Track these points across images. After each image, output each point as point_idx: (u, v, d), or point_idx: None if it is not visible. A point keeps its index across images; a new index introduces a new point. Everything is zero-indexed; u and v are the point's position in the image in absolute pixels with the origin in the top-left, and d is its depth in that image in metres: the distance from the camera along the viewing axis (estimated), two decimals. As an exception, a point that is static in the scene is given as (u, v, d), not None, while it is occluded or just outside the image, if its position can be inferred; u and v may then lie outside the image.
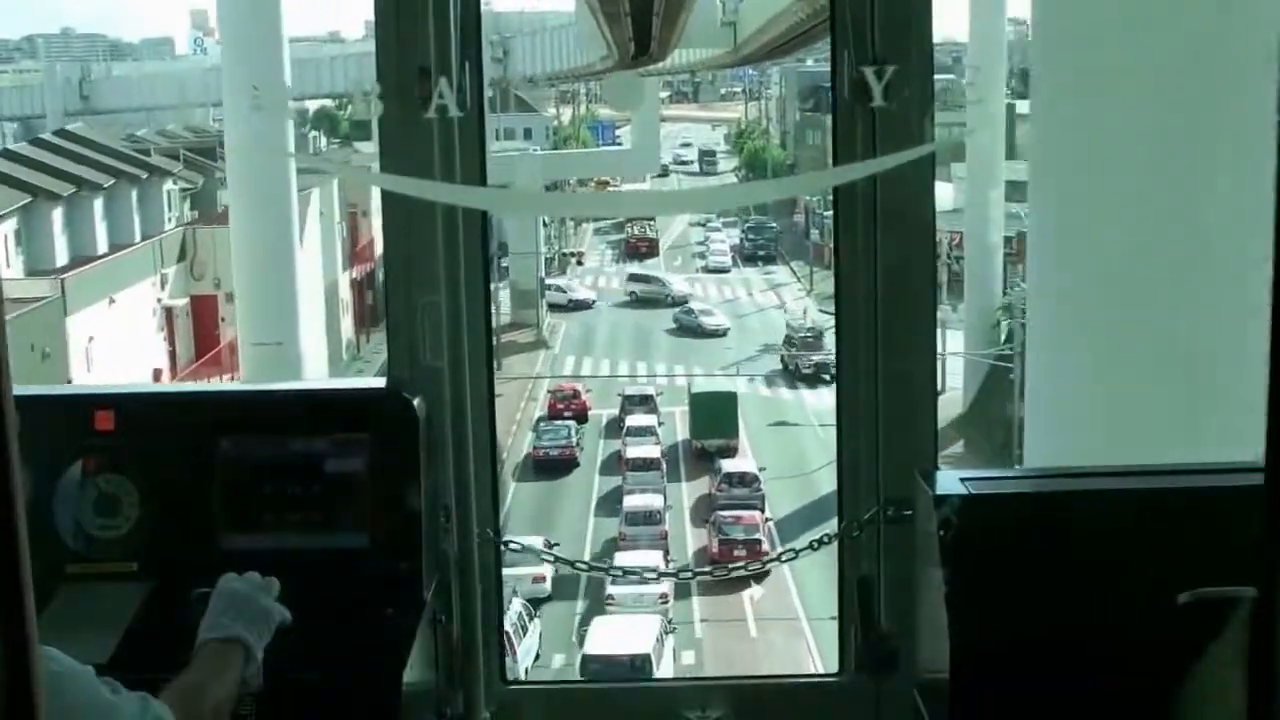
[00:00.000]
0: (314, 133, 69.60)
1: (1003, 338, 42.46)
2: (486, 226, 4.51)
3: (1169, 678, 3.33)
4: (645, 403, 41.87)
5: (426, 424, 3.94)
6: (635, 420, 40.23)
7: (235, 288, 34.30)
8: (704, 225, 67.18)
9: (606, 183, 64.66)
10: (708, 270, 61.56)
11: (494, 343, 4.68)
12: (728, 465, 36.56)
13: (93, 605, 3.63)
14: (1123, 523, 3.61)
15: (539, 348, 49.93)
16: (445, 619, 4.08)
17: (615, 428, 40.79)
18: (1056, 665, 3.48)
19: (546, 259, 56.47)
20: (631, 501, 34.43)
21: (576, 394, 42.86)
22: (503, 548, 4.57)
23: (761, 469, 36.06)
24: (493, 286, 4.51)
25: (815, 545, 4.56)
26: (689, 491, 37.10)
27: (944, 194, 55.49)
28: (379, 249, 46.15)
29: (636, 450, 37.50)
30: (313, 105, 63.60)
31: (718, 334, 50.26)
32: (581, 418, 41.54)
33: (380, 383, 4.14)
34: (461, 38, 4.15)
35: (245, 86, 29.19)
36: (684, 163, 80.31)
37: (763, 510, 34.02)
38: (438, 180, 4.14)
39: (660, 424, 40.37)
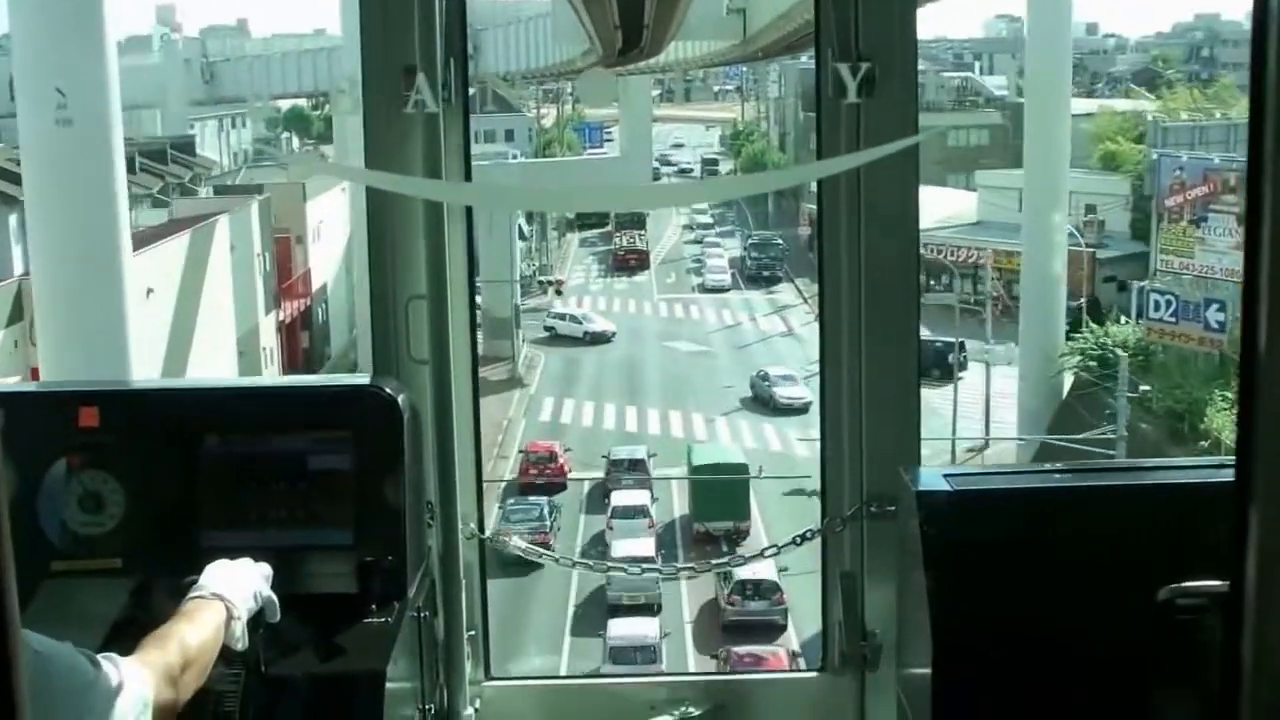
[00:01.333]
0: (286, 134, 66.96)
1: (1065, 390, 37.39)
2: (471, 223, 4.51)
3: (1150, 673, 3.36)
4: (636, 469, 34.91)
5: (410, 420, 3.95)
6: (623, 498, 32.98)
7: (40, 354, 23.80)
8: (700, 242, 60.54)
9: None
10: (704, 290, 54.62)
11: (478, 340, 4.69)
12: (742, 571, 27.72)
13: (78, 602, 3.63)
14: (1105, 519, 3.63)
15: (513, 386, 42.76)
16: (429, 615, 4.09)
17: (599, 500, 33.78)
18: (1038, 661, 3.50)
19: (524, 278, 49.93)
20: (617, 630, 27.20)
21: (553, 456, 35.41)
22: (486, 544, 4.59)
23: (783, 570, 26.87)
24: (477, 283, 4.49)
25: (799, 540, 4.58)
26: (689, 600, 29.63)
27: (965, 204, 52.04)
28: (324, 278, 43.65)
29: (625, 547, 28.66)
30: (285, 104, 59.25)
31: (796, 410, 38.32)
32: (558, 486, 34.61)
33: (364, 379, 4.14)
34: (446, 34, 4.16)
35: (45, 92, 20.90)
36: (673, 164, 72.67)
37: (785, 626, 28.46)
38: (421, 177, 4.16)
39: (654, 500, 33.64)
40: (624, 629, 27.27)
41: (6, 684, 1.37)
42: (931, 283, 44.46)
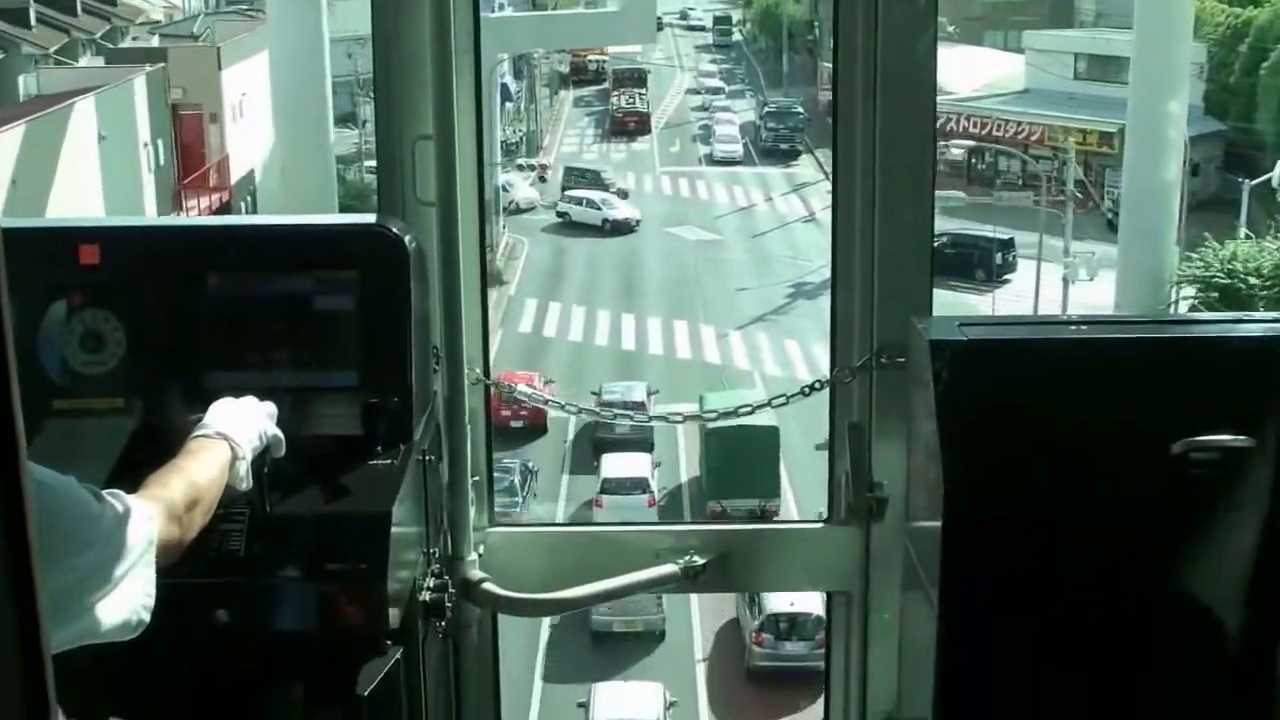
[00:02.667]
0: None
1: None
2: (480, 59, 4.40)
3: (1162, 528, 3.34)
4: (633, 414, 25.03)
5: (416, 261, 3.89)
6: (617, 465, 27.17)
7: None
8: (706, 109, 53.39)
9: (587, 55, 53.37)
10: (713, 161, 47.43)
11: (487, 183, 4.60)
12: (773, 601, 21.63)
13: (80, 441, 3.60)
14: (1121, 371, 3.58)
15: (490, 283, 34.43)
16: (434, 459, 4.06)
17: (584, 454, 28.29)
18: (1049, 513, 3.48)
19: (508, 146, 43.72)
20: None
21: None
22: (492, 389, 4.55)
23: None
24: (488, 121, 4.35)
25: (807, 391, 4.53)
26: (701, 629, 23.01)
27: (1008, 69, 44.76)
28: (250, 163, 34.51)
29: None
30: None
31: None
32: (536, 429, 28.97)
33: (370, 218, 4.07)
34: None
35: None
36: (682, 19, 65.92)
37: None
38: (428, 13, 4.05)
39: (656, 466, 27.71)
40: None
41: (17, 515, 1.34)
42: (974, 161, 40.21)
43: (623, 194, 41.95)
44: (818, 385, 4.49)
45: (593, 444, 28.43)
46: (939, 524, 3.53)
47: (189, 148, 35.35)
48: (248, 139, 36.44)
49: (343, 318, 3.79)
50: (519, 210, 41.05)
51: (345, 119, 38.05)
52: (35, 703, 1.37)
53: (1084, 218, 33.79)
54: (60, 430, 3.62)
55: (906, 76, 4.18)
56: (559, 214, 41.38)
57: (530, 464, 27.80)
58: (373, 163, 4.49)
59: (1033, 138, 40.17)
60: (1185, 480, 3.33)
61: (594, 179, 43.07)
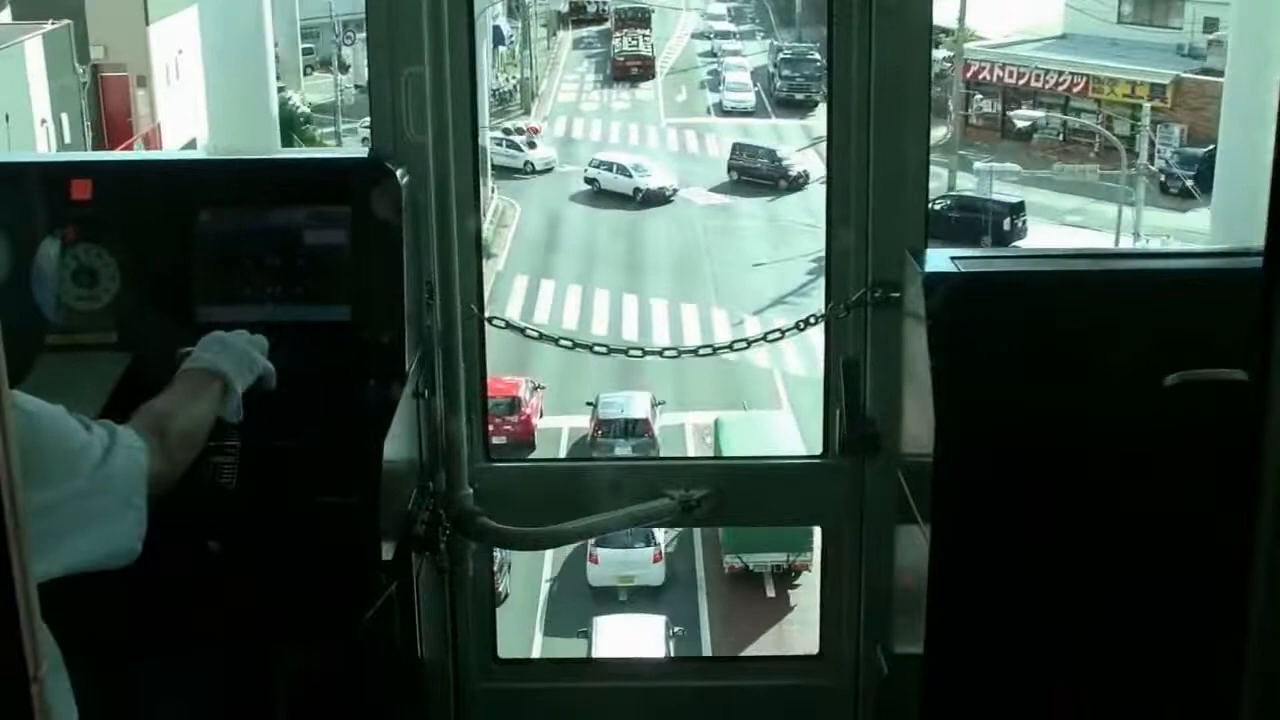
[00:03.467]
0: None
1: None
2: None
3: (1157, 460, 3.34)
4: (634, 433, 23.58)
5: (409, 196, 3.87)
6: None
7: None
8: (715, 54, 47.94)
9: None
10: (722, 112, 42.51)
11: (480, 116, 4.57)
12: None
13: (73, 376, 3.60)
14: (1117, 306, 3.58)
15: None
16: (428, 394, 4.06)
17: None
18: (1043, 444, 3.48)
19: (500, 95, 39.41)
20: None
21: (516, 404, 23.70)
22: (486, 324, 4.54)
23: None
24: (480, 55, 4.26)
25: (801, 326, 4.53)
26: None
27: (1044, 14, 38.69)
28: (191, 132, 27.10)
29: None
30: None
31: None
32: (521, 444, 23.61)
33: (362, 153, 4.05)
34: None
35: None
36: None
37: None
38: None
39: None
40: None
41: None
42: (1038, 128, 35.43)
43: (798, 181, 34.38)
44: (813, 320, 4.48)
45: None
46: (931, 458, 3.54)
47: (113, 118, 29.90)
48: (186, 104, 29.23)
49: (335, 252, 3.79)
50: (534, 171, 35.07)
51: (324, 63, 37.09)
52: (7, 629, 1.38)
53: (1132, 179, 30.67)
54: (53, 365, 3.62)
55: (903, 8, 4.14)
56: (588, 180, 34.98)
57: None
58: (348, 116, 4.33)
59: (1074, 89, 36.08)
60: (1178, 413, 3.33)
61: (768, 157, 36.31)
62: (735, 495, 4.57)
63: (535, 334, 4.77)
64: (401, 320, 3.76)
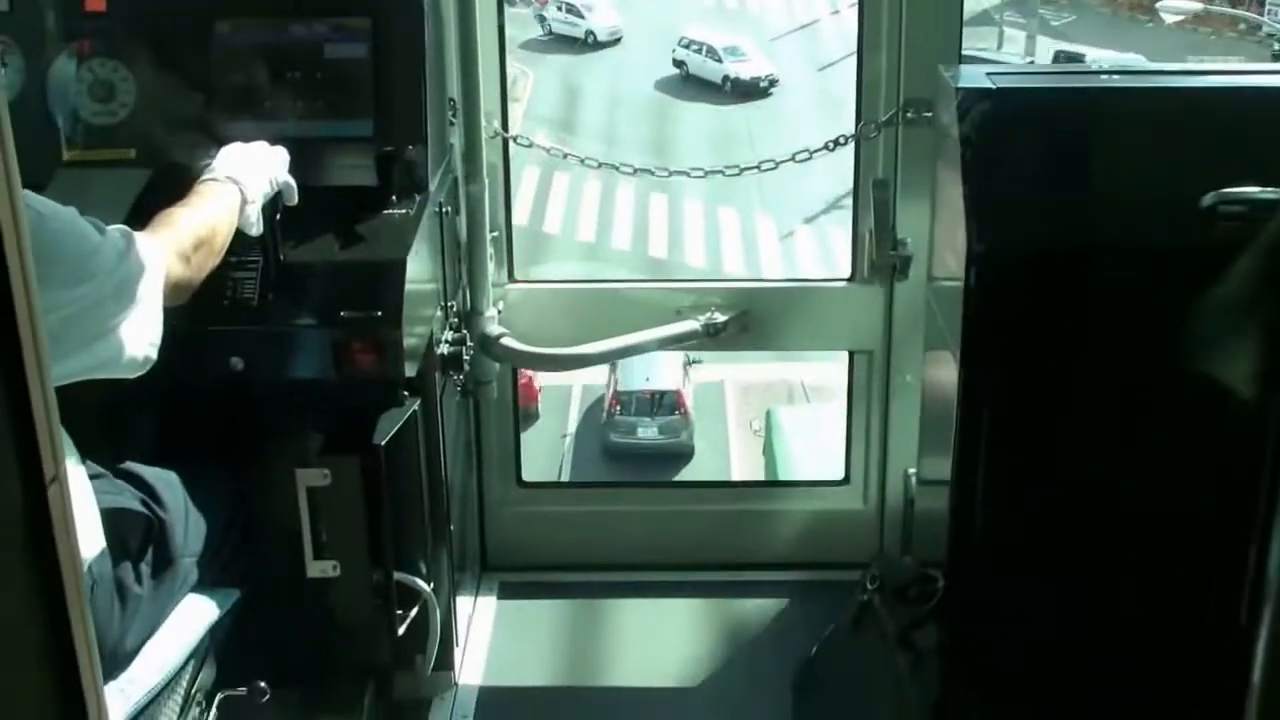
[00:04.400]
0: None
1: None
2: None
3: (1192, 282, 3.27)
4: (662, 410, 19.13)
5: (431, 9, 3.78)
6: None
7: None
8: None
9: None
10: None
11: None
12: None
13: (91, 191, 3.55)
14: (1153, 122, 3.48)
15: None
16: (451, 211, 4.01)
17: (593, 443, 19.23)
18: (1076, 269, 3.41)
19: None
20: None
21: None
22: (510, 143, 4.47)
23: None
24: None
25: (831, 146, 4.44)
26: None
27: None
28: None
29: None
30: None
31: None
32: (528, 413, 17.26)
33: None
34: None
35: None
36: None
37: None
38: None
39: None
40: None
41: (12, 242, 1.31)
42: None
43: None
44: (842, 140, 4.40)
45: (603, 449, 19.31)
46: (963, 281, 3.48)
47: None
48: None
49: (357, 66, 3.70)
50: (598, 44, 27.84)
51: None
52: (24, 434, 1.35)
53: (1235, 43, 26.24)
54: (70, 181, 3.57)
55: None
56: (676, 64, 27.80)
57: None
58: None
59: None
60: (1214, 233, 3.25)
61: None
62: (761, 319, 4.53)
63: (560, 153, 4.70)
64: (424, 134, 3.69)
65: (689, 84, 26.25)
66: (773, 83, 26.54)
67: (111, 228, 2.75)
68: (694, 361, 19.20)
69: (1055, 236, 3.40)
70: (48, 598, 1.38)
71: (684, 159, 21.72)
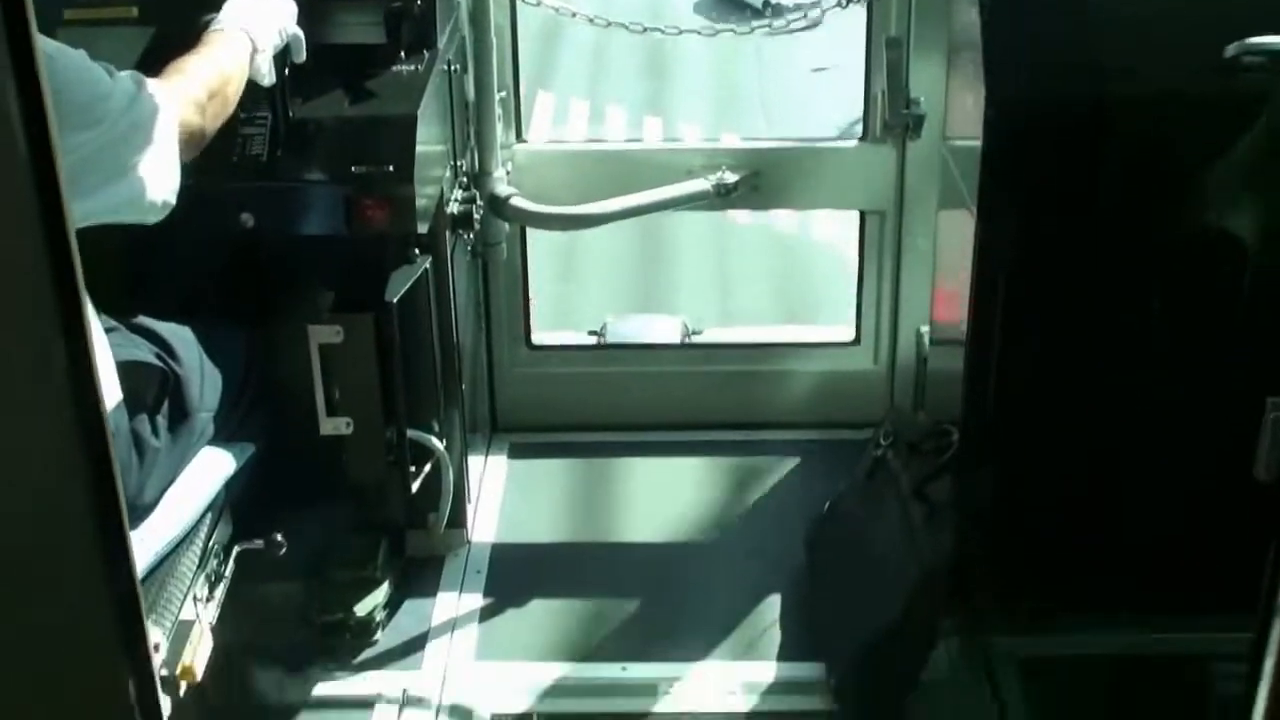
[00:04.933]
0: None
1: None
2: None
3: (1214, 137, 3.23)
4: None
5: None
6: None
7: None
8: None
9: None
10: None
11: None
12: None
13: (95, 49, 3.49)
14: None
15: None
16: (460, 69, 3.96)
17: None
18: (1095, 125, 3.36)
19: None
20: None
21: None
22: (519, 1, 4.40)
23: None
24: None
25: (844, 3, 4.37)
26: None
27: None
28: None
29: None
30: None
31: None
32: None
33: None
34: None
35: None
36: None
37: None
38: None
39: None
40: None
41: (32, 86, 1.28)
42: None
43: None
44: None
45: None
46: (979, 141, 3.43)
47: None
48: None
49: None
50: None
51: None
52: (62, 273, 1.33)
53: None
54: (72, 40, 3.51)
55: None
56: None
57: None
58: None
59: None
60: (1237, 84, 3.20)
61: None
62: (773, 178, 4.49)
63: (570, 13, 4.63)
64: None
65: (724, 5, 21.68)
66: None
67: (123, 73, 2.72)
68: (694, 332, 16.43)
69: (1075, 91, 3.34)
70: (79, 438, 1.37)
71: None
